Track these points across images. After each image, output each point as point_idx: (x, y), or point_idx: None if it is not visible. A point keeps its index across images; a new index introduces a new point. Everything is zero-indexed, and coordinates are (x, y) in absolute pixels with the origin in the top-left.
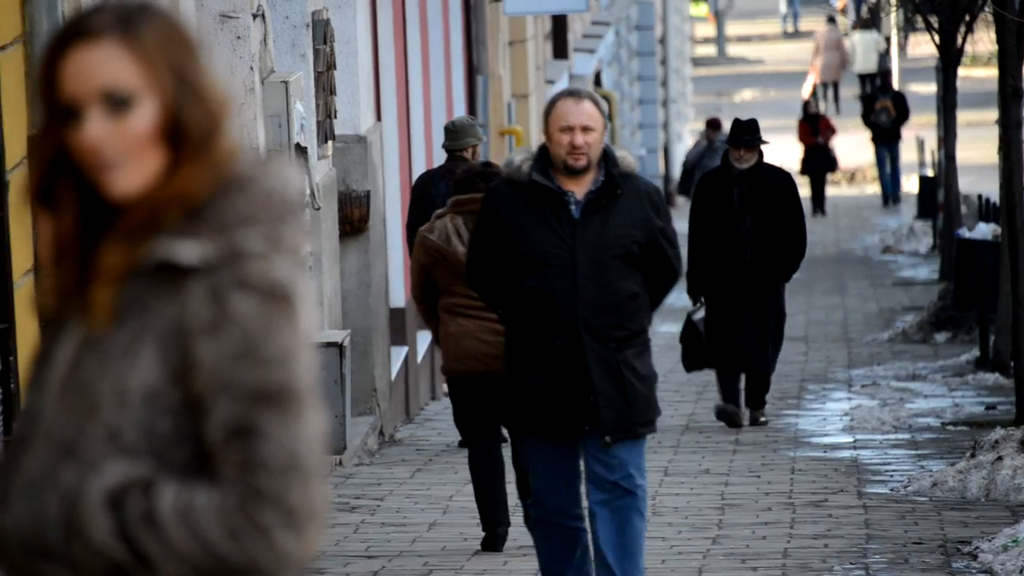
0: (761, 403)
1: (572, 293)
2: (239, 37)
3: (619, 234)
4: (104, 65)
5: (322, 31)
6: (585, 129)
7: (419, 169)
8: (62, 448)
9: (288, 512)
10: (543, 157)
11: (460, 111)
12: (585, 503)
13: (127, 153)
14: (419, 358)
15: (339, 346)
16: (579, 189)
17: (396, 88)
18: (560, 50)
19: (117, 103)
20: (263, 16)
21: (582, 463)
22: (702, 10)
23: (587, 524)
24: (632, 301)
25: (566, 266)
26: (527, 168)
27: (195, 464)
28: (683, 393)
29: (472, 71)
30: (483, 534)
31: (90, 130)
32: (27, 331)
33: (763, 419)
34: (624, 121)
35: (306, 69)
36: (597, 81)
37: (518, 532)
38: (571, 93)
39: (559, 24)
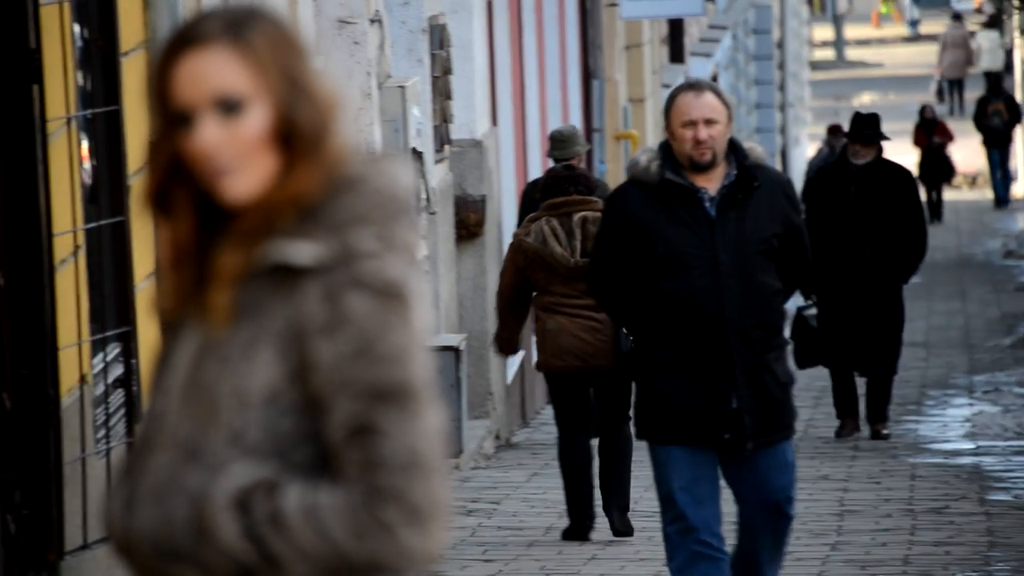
0: (883, 416)
1: (716, 293)
2: (357, 43)
3: (759, 228)
4: (215, 70)
5: (439, 36)
6: (708, 122)
7: (535, 173)
8: (186, 451)
9: (411, 509)
10: (668, 155)
11: (576, 116)
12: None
13: (240, 158)
14: (535, 361)
15: (455, 350)
16: (710, 185)
17: (512, 92)
18: (676, 54)
19: (229, 108)
20: (380, 22)
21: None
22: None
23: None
24: (775, 298)
25: (708, 266)
26: (656, 168)
27: (318, 463)
28: (801, 398)
29: (588, 75)
30: (575, 526)
31: (203, 136)
32: (148, 334)
33: (885, 432)
34: (741, 125)
35: (423, 74)
36: None
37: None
38: (691, 86)
39: (675, 28)
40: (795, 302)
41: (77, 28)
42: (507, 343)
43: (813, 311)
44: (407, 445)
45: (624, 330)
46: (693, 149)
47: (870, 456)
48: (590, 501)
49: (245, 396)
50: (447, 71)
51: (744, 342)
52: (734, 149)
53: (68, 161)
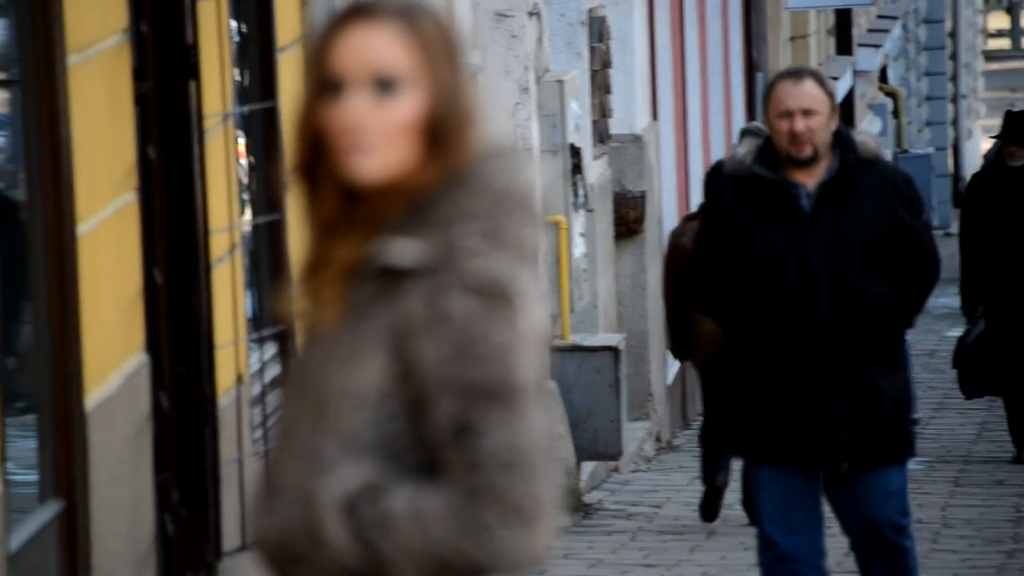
0: None
1: (805, 298)
2: (514, 36)
3: (858, 228)
4: (380, 46)
5: (598, 29)
6: (806, 113)
7: (696, 169)
8: (302, 453)
9: (512, 510)
10: (768, 147)
11: (739, 110)
12: (833, 550)
13: (382, 138)
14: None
15: (614, 350)
16: (811, 180)
17: (673, 86)
18: (844, 46)
19: (384, 86)
20: (539, 14)
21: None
22: None
23: None
24: (876, 305)
25: (797, 267)
26: (749, 160)
27: (427, 465)
28: (976, 401)
29: (752, 68)
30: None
31: (351, 108)
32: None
33: None
34: (911, 118)
35: (581, 68)
36: (883, 77)
37: None
38: (791, 73)
39: (843, 19)
40: (953, 326)
41: (234, 24)
42: (677, 348)
43: (981, 328)
44: (508, 445)
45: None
46: (789, 143)
47: None
48: (723, 481)
49: (354, 397)
50: (606, 64)
51: (837, 351)
52: (841, 142)
53: (224, 158)
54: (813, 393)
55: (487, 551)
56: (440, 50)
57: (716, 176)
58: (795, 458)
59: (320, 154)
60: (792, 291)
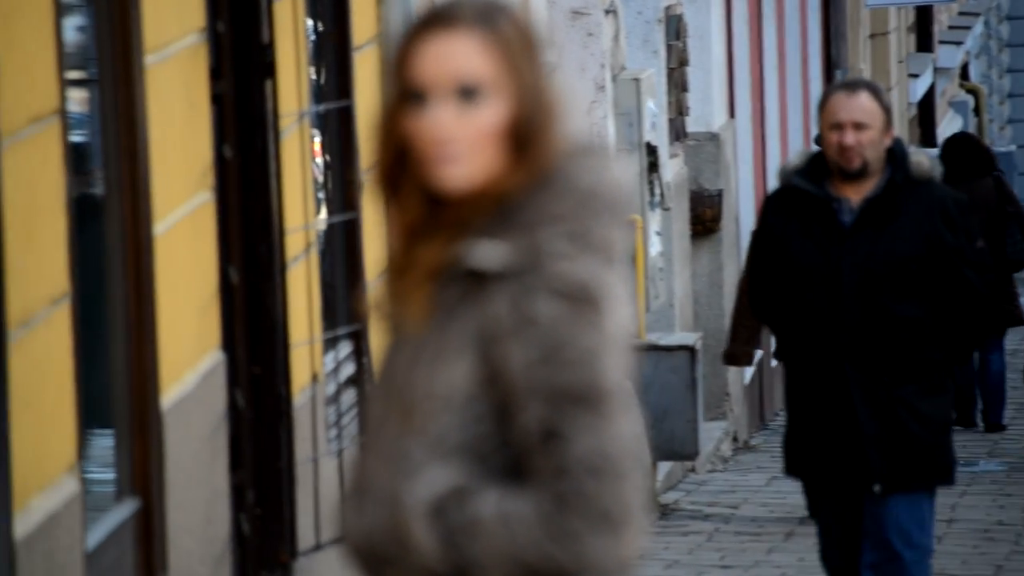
0: None
1: (834, 314)
2: (590, 34)
3: (894, 248)
4: (462, 55)
5: (675, 26)
6: (858, 126)
7: (773, 168)
8: (388, 455)
9: (599, 516)
10: (819, 158)
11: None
12: None
13: (468, 147)
14: (773, 362)
15: (691, 349)
16: (857, 195)
17: (750, 84)
18: (924, 42)
19: (468, 95)
20: (615, 12)
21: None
22: None
23: None
24: (908, 328)
25: (830, 283)
26: (794, 171)
27: (514, 467)
28: None
29: (830, 66)
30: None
31: (437, 118)
32: (379, 333)
33: None
34: (993, 115)
35: (658, 66)
36: (964, 74)
37: None
38: (847, 84)
39: (923, 15)
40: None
41: (310, 23)
42: (733, 356)
43: None
44: (595, 450)
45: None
46: (839, 155)
47: None
48: None
49: (440, 400)
50: (683, 62)
51: (864, 370)
52: (894, 159)
53: (300, 157)
54: (843, 411)
55: (574, 557)
56: (521, 53)
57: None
58: (836, 479)
59: (404, 162)
60: (823, 306)
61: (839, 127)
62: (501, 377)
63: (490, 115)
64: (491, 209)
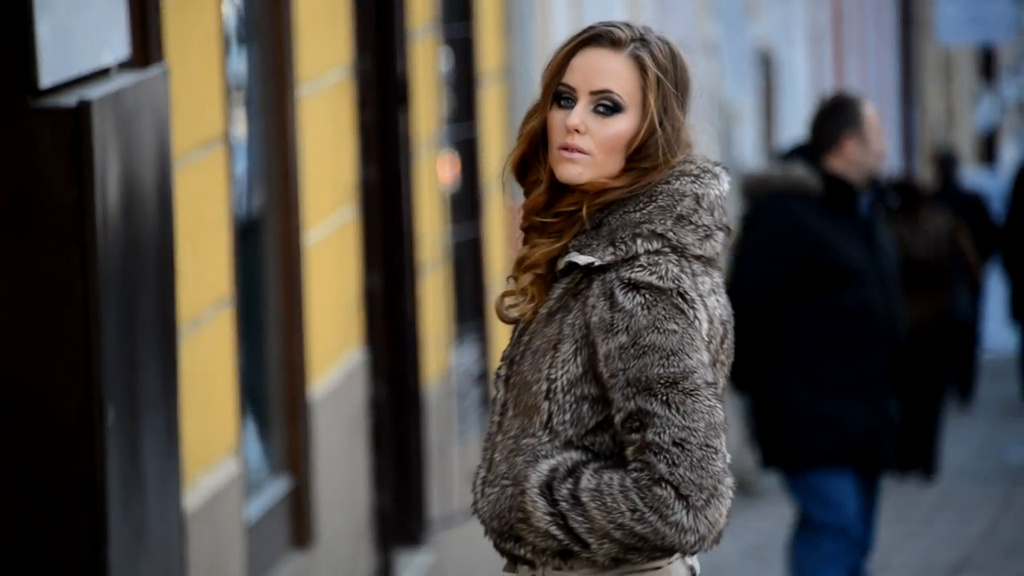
0: None
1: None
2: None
3: None
4: (614, 74)
5: (766, 62)
6: None
7: None
8: (512, 437)
9: (691, 492)
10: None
11: (895, 137)
12: None
13: (594, 147)
14: None
15: None
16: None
17: None
18: (989, 72)
19: (608, 106)
20: (715, 46)
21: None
22: None
23: None
24: None
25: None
26: None
27: (617, 446)
28: None
29: (907, 98)
30: None
31: (575, 115)
32: (503, 332)
33: None
34: None
35: (752, 98)
36: None
37: None
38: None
39: (989, 49)
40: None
41: (442, 55)
42: None
43: None
44: (678, 430)
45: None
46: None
47: None
48: None
49: (553, 386)
50: (773, 96)
51: None
52: None
53: (432, 178)
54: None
55: (663, 530)
56: (663, 79)
57: None
58: (883, 464)
59: (538, 153)
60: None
61: None
62: (598, 363)
63: (620, 127)
64: (599, 208)
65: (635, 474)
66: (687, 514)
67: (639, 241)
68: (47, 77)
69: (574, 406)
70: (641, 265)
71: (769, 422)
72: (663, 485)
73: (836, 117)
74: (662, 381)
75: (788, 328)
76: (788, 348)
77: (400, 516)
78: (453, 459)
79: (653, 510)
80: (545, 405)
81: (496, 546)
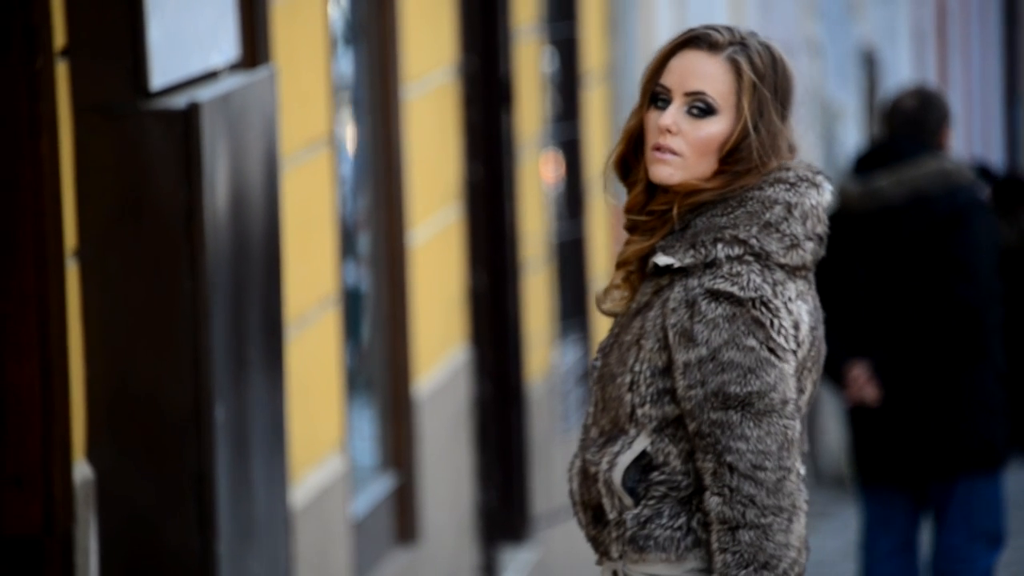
0: None
1: None
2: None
3: None
4: (710, 76)
5: (870, 61)
6: None
7: None
8: (602, 430)
9: (759, 512)
10: None
11: (997, 135)
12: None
13: (687, 150)
14: None
15: None
16: None
17: None
18: None
19: (702, 110)
20: (817, 46)
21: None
22: None
23: None
24: None
25: None
26: None
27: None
28: None
29: (1012, 96)
30: None
31: (670, 116)
32: (604, 326)
33: None
34: None
35: (855, 98)
36: None
37: None
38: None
39: None
40: None
41: (546, 55)
42: None
43: None
44: (754, 455)
45: None
46: None
47: None
48: None
49: (636, 379)
50: (877, 95)
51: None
52: None
53: (536, 177)
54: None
55: (745, 546)
56: (761, 84)
57: None
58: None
59: (637, 153)
60: None
61: None
62: (675, 369)
63: (714, 130)
64: (690, 210)
65: (711, 488)
66: (766, 534)
67: (720, 246)
68: (158, 79)
69: (656, 398)
70: (723, 275)
71: (974, 419)
72: (740, 505)
73: (932, 110)
74: (738, 400)
75: (987, 323)
76: (986, 343)
77: (504, 513)
78: (556, 456)
79: (732, 529)
80: (628, 397)
81: (590, 538)
